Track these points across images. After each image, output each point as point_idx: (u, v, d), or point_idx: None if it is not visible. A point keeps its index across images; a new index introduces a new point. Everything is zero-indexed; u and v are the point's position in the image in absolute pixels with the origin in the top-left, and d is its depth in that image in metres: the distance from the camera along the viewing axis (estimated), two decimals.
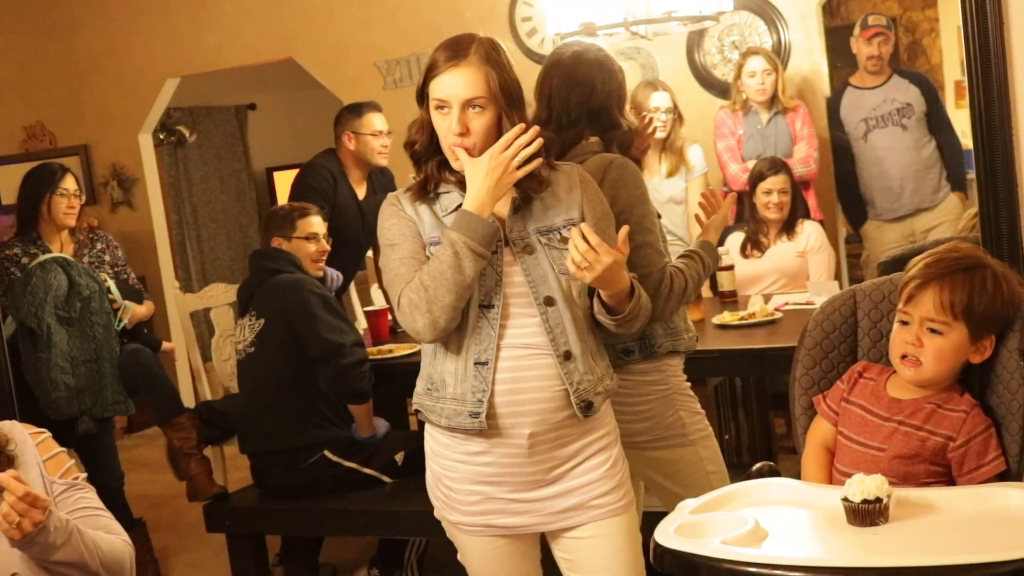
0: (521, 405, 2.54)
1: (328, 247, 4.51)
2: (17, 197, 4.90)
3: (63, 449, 2.56)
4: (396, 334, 5.15)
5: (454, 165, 2.55)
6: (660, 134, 5.47)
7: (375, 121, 5.34)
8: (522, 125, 2.45)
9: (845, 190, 6.00)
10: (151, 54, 7.74)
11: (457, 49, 2.53)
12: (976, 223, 3.61)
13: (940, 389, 2.40)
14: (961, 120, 6.09)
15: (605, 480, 2.62)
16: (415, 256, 2.56)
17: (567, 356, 2.54)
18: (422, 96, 2.57)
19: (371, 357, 4.33)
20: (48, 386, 4.53)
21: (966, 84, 3.02)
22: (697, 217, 3.31)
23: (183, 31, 7.64)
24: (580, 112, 3.08)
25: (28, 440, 2.49)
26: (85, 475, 2.57)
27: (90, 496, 2.55)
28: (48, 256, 4.66)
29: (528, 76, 7.07)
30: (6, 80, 8.17)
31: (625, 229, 2.50)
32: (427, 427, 2.71)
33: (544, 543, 2.78)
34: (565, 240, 2.54)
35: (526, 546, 2.72)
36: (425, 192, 2.61)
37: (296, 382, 4.18)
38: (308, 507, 4.26)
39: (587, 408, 2.56)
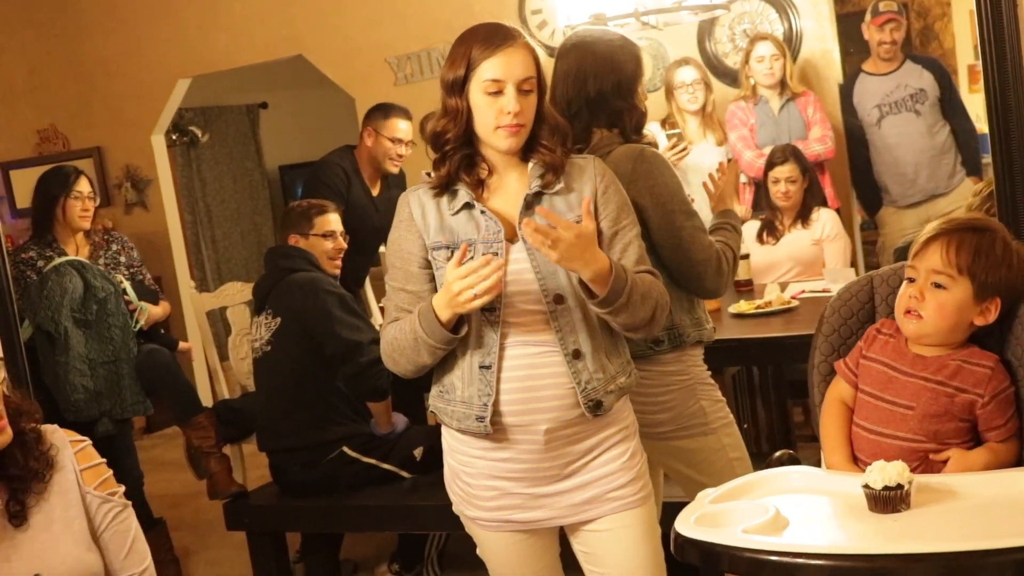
0: (534, 403, 2.54)
1: (345, 245, 4.51)
2: (32, 200, 4.92)
3: (102, 461, 2.56)
4: None
5: (501, 146, 2.54)
6: (692, 106, 5.71)
7: (399, 126, 5.33)
8: (489, 257, 2.45)
9: (859, 177, 5.97)
10: (162, 55, 7.75)
11: (506, 32, 2.55)
12: (984, 202, 3.61)
13: (957, 346, 2.39)
14: (975, 105, 6.07)
15: (622, 473, 2.61)
16: (406, 287, 2.63)
17: (576, 355, 2.54)
18: (457, 84, 2.54)
19: None
20: (67, 389, 4.54)
21: (980, 68, 3.01)
22: (705, 185, 3.32)
23: (193, 31, 7.65)
24: (579, 103, 3.07)
25: (67, 446, 2.49)
26: (123, 489, 2.56)
27: (127, 517, 2.54)
28: (63, 259, 4.67)
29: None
30: (18, 84, 8.19)
31: (587, 200, 2.54)
32: (443, 426, 2.73)
33: (563, 537, 2.77)
34: None
35: (545, 540, 2.72)
36: (445, 187, 2.60)
37: (313, 379, 4.19)
38: (328, 504, 4.26)
39: (596, 407, 2.55)
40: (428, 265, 2.60)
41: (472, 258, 2.48)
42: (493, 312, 2.53)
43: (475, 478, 2.65)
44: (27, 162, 8.04)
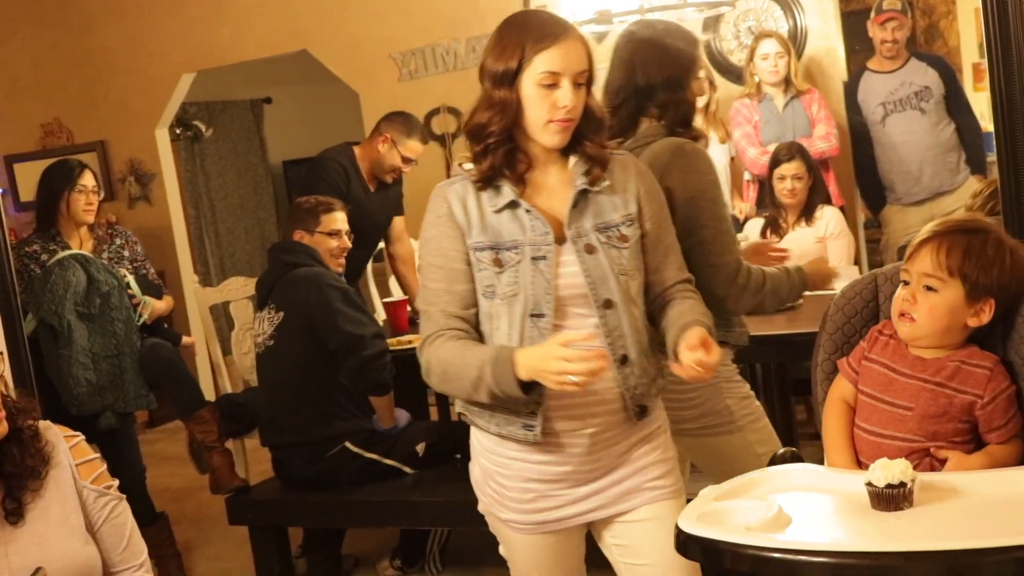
0: (582, 408, 2.47)
1: (350, 244, 4.51)
2: (36, 194, 4.92)
3: (96, 455, 2.57)
4: (415, 325, 5.15)
5: (550, 142, 2.46)
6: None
7: (415, 148, 5.32)
8: (602, 352, 2.33)
9: (864, 175, 5.97)
10: (166, 49, 7.76)
11: (562, 23, 2.46)
12: (987, 202, 3.61)
13: (956, 347, 2.39)
14: (979, 103, 6.07)
15: (659, 465, 2.57)
16: (452, 288, 2.47)
17: (623, 360, 2.47)
18: (508, 76, 2.42)
19: (391, 348, 4.33)
20: (70, 382, 4.55)
21: (984, 66, 3.01)
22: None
23: (198, 26, 7.66)
24: (627, 92, 3.06)
25: (62, 442, 2.50)
26: (117, 483, 2.57)
27: (123, 511, 2.55)
28: (67, 253, 4.67)
29: None
30: (23, 78, 8.20)
31: (701, 334, 2.37)
32: (472, 436, 2.66)
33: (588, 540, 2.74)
34: (624, 238, 2.49)
35: (574, 540, 2.66)
36: (488, 182, 2.48)
37: (316, 374, 4.19)
38: (330, 499, 4.26)
39: (642, 412, 2.52)
40: (470, 263, 2.47)
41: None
42: (543, 318, 2.43)
43: (511, 480, 2.56)
44: (31, 155, 8.06)
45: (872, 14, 5.80)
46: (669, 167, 2.92)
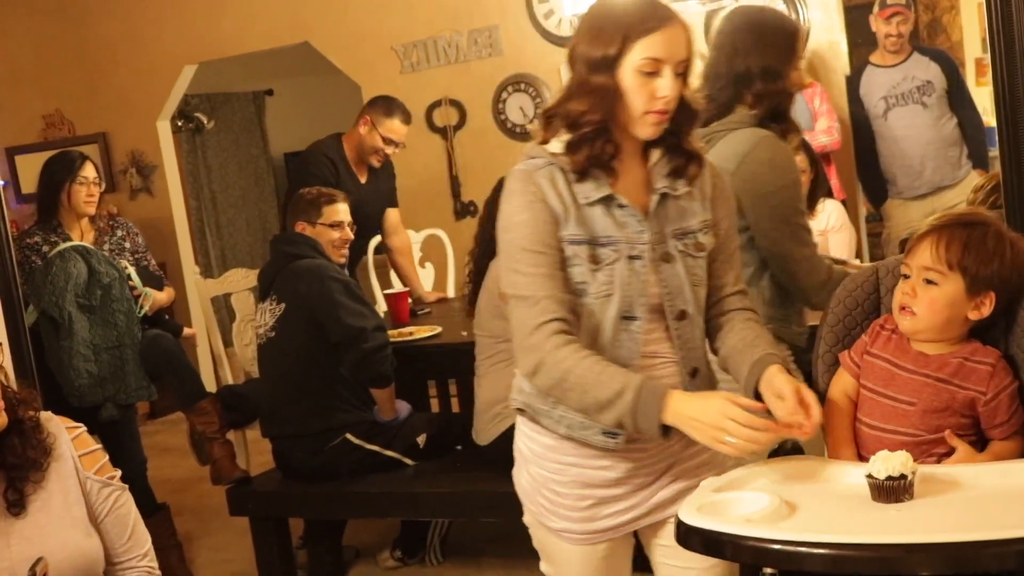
0: None
1: (352, 236, 4.51)
2: (37, 186, 4.91)
3: (98, 446, 2.57)
4: (416, 316, 5.16)
5: (644, 133, 2.30)
6: None
7: (398, 129, 5.33)
8: (774, 426, 2.14)
9: (865, 169, 5.97)
10: (168, 41, 7.76)
11: (665, 7, 2.27)
12: (988, 196, 3.61)
13: (958, 341, 2.39)
14: (982, 98, 6.06)
15: (709, 468, 2.44)
16: (554, 274, 2.28)
17: (694, 373, 2.38)
18: (607, 62, 2.24)
19: (392, 340, 4.34)
20: (71, 374, 4.55)
21: (987, 61, 3.00)
22: None
23: (199, 17, 7.66)
24: (726, 79, 3.03)
25: (64, 433, 2.49)
26: (119, 473, 2.57)
27: (126, 501, 2.56)
28: (68, 245, 4.67)
29: (547, 58, 7.12)
30: (24, 69, 8.20)
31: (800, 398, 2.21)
32: (527, 427, 2.48)
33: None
34: (700, 247, 2.37)
35: (624, 547, 2.52)
36: (584, 174, 2.31)
37: (317, 366, 4.19)
38: (330, 490, 4.27)
39: None
40: (561, 266, 2.29)
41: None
42: (635, 321, 2.30)
43: (567, 487, 2.41)
44: (32, 147, 8.06)
45: (876, 8, 5.79)
46: (744, 160, 2.92)
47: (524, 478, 2.51)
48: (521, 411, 2.45)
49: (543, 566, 2.59)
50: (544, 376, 2.26)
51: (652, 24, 2.23)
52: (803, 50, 3.10)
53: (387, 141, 5.32)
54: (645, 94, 2.24)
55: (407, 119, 5.40)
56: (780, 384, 2.23)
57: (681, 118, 2.33)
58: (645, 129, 2.29)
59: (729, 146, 2.97)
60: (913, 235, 2.43)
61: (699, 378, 2.39)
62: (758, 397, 2.27)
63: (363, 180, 5.39)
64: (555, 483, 2.42)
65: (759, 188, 2.96)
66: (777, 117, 3.04)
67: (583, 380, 2.21)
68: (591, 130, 2.28)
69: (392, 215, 5.62)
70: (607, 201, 2.30)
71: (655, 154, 2.36)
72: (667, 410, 2.16)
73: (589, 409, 2.23)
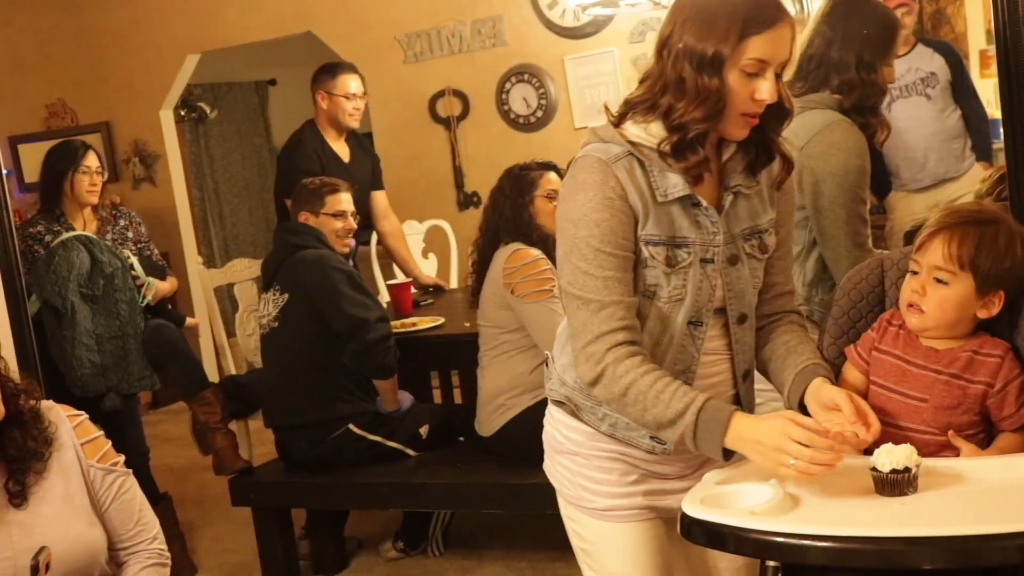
0: None
1: (355, 225, 4.51)
2: (40, 175, 4.91)
3: (100, 433, 2.57)
4: (419, 307, 5.15)
5: (736, 135, 2.18)
6: None
7: (349, 83, 5.35)
8: (841, 437, 2.06)
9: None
10: (171, 30, 7.75)
11: (776, 3, 2.11)
12: (994, 187, 3.60)
13: (967, 336, 2.38)
14: (986, 90, 6.04)
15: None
16: (624, 278, 2.16)
17: (745, 376, 2.34)
18: (718, 60, 2.07)
19: (395, 331, 4.33)
20: (74, 363, 4.55)
21: (991, 53, 2.99)
22: None
23: (203, 6, 7.65)
24: (818, 62, 3.07)
25: (65, 421, 2.49)
26: (123, 458, 2.57)
27: (131, 487, 2.55)
28: (71, 234, 4.67)
29: (551, 48, 7.10)
30: (27, 58, 8.19)
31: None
32: (565, 418, 2.37)
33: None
34: (764, 248, 2.29)
35: (673, 534, 2.30)
36: (697, 179, 2.16)
37: (320, 356, 4.19)
38: (333, 481, 4.27)
39: None
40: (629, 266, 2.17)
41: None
42: (700, 327, 2.23)
43: (610, 463, 2.32)
44: (35, 136, 8.06)
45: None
46: (816, 137, 2.96)
47: (559, 467, 2.41)
48: (559, 403, 2.37)
49: (589, 555, 2.42)
50: (604, 388, 2.17)
51: (767, 20, 2.07)
52: (900, 47, 3.12)
53: (349, 97, 5.34)
54: (745, 95, 2.11)
55: (353, 70, 5.45)
56: (831, 395, 2.19)
57: (770, 116, 2.19)
58: (738, 131, 2.17)
59: (802, 123, 2.96)
60: (922, 228, 2.41)
61: (748, 381, 2.35)
62: (802, 409, 2.24)
63: (347, 160, 5.40)
64: (597, 462, 2.32)
65: (823, 167, 2.98)
66: (862, 109, 3.06)
67: (644, 397, 2.12)
68: (697, 135, 2.13)
69: (380, 198, 5.61)
70: (685, 199, 2.18)
71: (730, 148, 2.23)
72: (729, 433, 2.08)
73: (648, 425, 2.16)
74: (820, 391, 2.22)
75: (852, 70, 3.03)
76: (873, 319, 2.55)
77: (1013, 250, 2.31)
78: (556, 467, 2.42)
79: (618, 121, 2.20)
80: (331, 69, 5.39)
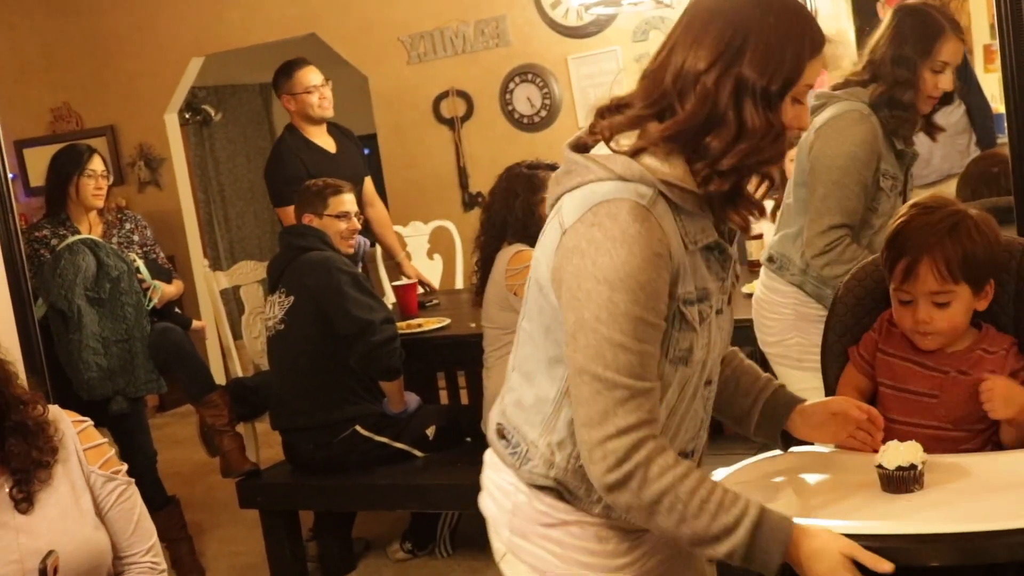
0: None
1: (359, 225, 4.51)
2: (45, 179, 4.92)
3: (104, 440, 2.57)
4: (425, 308, 5.15)
5: (779, 171, 1.90)
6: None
7: (306, 78, 5.39)
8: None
9: None
10: (175, 33, 7.76)
11: (818, 24, 1.87)
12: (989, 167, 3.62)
13: (969, 330, 2.38)
14: (990, 84, 6.03)
15: None
16: (655, 352, 1.82)
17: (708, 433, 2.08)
18: (781, 93, 1.81)
19: (401, 332, 4.33)
20: (80, 367, 4.55)
21: (995, 48, 2.99)
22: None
23: (206, 9, 7.66)
24: (880, 61, 3.23)
25: (70, 428, 2.49)
26: (125, 467, 2.57)
27: (131, 496, 2.55)
28: (76, 238, 4.67)
29: (554, 48, 7.08)
30: (32, 62, 8.20)
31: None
32: (543, 501, 1.97)
33: None
34: (734, 283, 2.01)
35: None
36: (722, 221, 1.92)
37: (326, 358, 4.19)
38: (340, 482, 4.27)
39: None
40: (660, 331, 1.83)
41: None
42: (710, 385, 1.98)
43: (604, 543, 1.97)
44: (40, 140, 8.07)
45: None
46: (828, 122, 3.20)
47: (545, 546, 1.99)
48: (541, 487, 1.96)
49: None
50: (630, 495, 1.79)
51: (821, 40, 1.85)
52: (948, 55, 3.20)
53: (309, 91, 5.36)
54: (795, 125, 1.87)
55: (305, 63, 5.47)
56: (832, 407, 2.21)
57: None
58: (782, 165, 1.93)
59: (829, 110, 3.25)
60: (890, 254, 2.36)
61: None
62: (785, 438, 2.21)
63: (333, 150, 5.40)
64: (594, 530, 1.97)
65: (821, 147, 3.22)
66: (894, 105, 3.21)
67: (684, 507, 1.77)
68: (744, 177, 1.87)
69: (367, 184, 5.61)
70: (714, 250, 1.92)
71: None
72: (793, 550, 1.79)
73: (682, 538, 1.81)
74: (808, 414, 2.20)
75: (888, 64, 3.20)
76: (878, 315, 2.54)
77: (986, 237, 2.32)
78: (539, 548, 1.99)
79: (633, 154, 1.85)
80: (286, 70, 5.45)
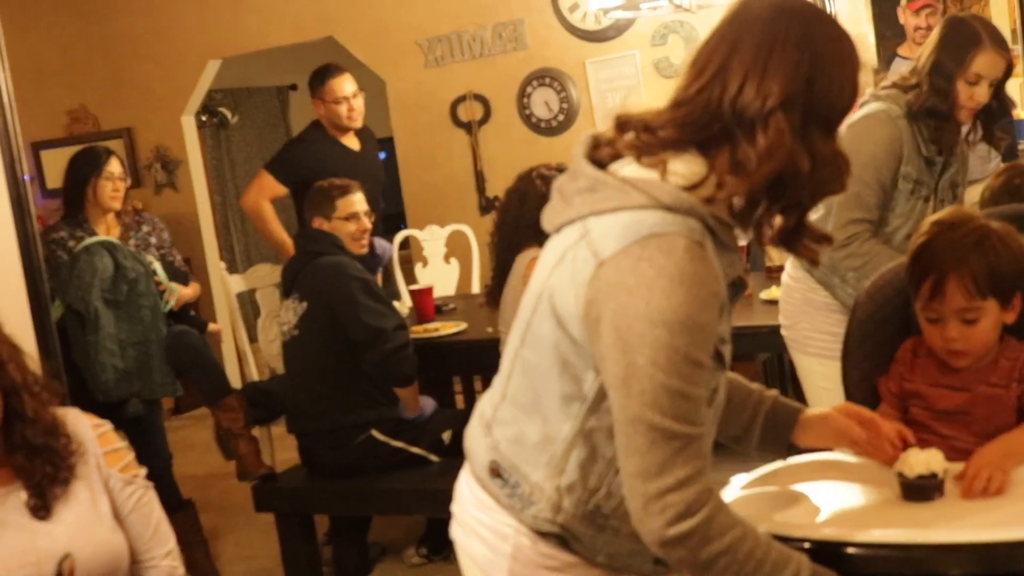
0: None
1: (369, 225, 4.49)
2: (63, 181, 4.93)
3: (124, 444, 2.57)
4: (442, 312, 5.14)
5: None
6: None
7: (337, 87, 5.40)
8: None
9: None
10: (192, 36, 7.77)
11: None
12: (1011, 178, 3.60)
13: (995, 345, 2.36)
14: (1010, 90, 6.00)
15: None
16: (705, 397, 1.73)
17: None
18: (837, 118, 1.76)
19: (416, 336, 4.33)
20: (97, 369, 4.56)
21: (1018, 53, 2.97)
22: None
23: (223, 12, 7.67)
24: (922, 69, 3.29)
25: (89, 431, 2.49)
26: (144, 471, 2.57)
27: (150, 500, 2.55)
28: (94, 240, 4.68)
29: (572, 52, 7.08)
30: (49, 65, 8.22)
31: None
32: (545, 547, 1.87)
33: None
34: None
35: None
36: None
37: (341, 364, 4.18)
38: (356, 487, 4.26)
39: None
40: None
41: None
42: (716, 425, 1.90)
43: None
44: (58, 142, 8.09)
45: (904, 1, 5.75)
46: (853, 122, 3.25)
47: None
48: (544, 534, 1.86)
49: None
50: (687, 551, 1.69)
51: (863, 59, 1.78)
52: (981, 67, 3.23)
53: (341, 101, 5.35)
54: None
55: (340, 71, 5.47)
56: (852, 414, 2.19)
57: None
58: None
59: (862, 109, 3.34)
60: (915, 272, 2.34)
61: None
62: (792, 449, 2.19)
63: (357, 148, 5.41)
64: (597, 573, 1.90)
65: (847, 146, 3.18)
66: (934, 113, 3.25)
67: (741, 566, 1.71)
68: (803, 211, 1.79)
69: None
70: (738, 288, 1.83)
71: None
72: None
73: None
74: (822, 422, 2.17)
75: (927, 72, 3.25)
76: (898, 321, 2.52)
77: (1010, 249, 2.30)
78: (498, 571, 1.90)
79: (690, 188, 1.71)
80: (319, 74, 5.47)
